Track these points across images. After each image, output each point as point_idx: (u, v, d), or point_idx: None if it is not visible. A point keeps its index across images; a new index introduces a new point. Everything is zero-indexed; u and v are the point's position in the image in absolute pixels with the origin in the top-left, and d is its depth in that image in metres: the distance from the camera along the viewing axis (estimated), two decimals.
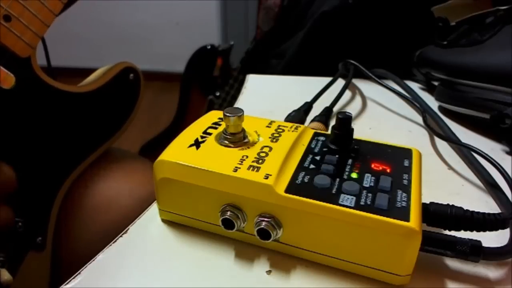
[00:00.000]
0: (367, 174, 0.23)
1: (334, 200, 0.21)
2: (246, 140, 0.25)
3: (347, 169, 0.23)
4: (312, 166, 0.23)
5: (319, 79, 0.47)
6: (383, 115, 0.43)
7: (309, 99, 0.38)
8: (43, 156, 0.42)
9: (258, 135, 0.26)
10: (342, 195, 0.21)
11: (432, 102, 0.43)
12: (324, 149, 0.25)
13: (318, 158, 0.24)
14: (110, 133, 0.49)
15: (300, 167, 0.23)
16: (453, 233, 0.22)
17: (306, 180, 0.22)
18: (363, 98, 0.46)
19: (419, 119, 0.41)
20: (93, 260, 0.23)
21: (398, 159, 0.24)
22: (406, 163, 0.24)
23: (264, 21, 0.87)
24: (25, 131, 0.41)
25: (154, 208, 0.27)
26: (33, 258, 0.42)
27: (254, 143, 0.25)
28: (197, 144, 0.25)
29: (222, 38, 2.23)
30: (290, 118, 0.33)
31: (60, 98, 0.43)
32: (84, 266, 0.23)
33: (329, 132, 0.27)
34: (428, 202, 0.22)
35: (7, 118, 0.39)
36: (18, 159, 0.40)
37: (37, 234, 0.42)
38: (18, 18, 0.38)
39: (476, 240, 0.21)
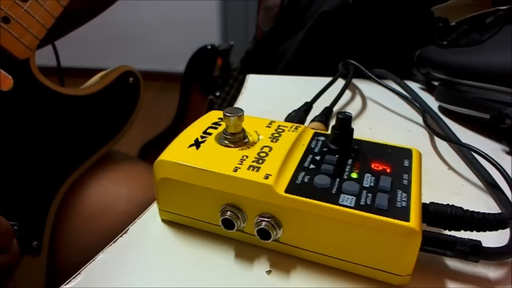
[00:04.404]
0: (367, 174, 0.23)
1: (334, 200, 0.21)
2: (246, 140, 0.25)
3: (347, 169, 0.23)
4: (312, 166, 0.23)
5: (319, 79, 0.47)
6: (383, 115, 0.43)
7: (309, 99, 0.38)
8: (41, 158, 0.42)
9: (258, 135, 0.26)
10: (342, 195, 0.21)
11: (432, 102, 0.43)
12: (324, 149, 0.25)
13: (318, 158, 0.24)
14: (109, 136, 0.49)
15: (300, 167, 0.23)
16: (453, 233, 0.22)
17: (306, 180, 0.22)
18: (363, 98, 0.46)
19: (419, 119, 0.41)
20: (93, 260, 0.23)
21: (398, 159, 0.24)
22: (406, 163, 0.24)
23: (264, 21, 0.87)
24: (23, 133, 0.40)
25: (154, 208, 0.27)
26: (28, 262, 0.42)
27: (254, 143, 0.25)
28: (197, 144, 0.25)
29: (222, 38, 2.23)
30: (290, 118, 0.33)
31: (59, 100, 0.43)
32: (84, 266, 0.23)
33: (329, 132, 0.27)
34: (428, 202, 0.22)
35: (5, 120, 0.39)
36: (15, 161, 0.40)
37: (33, 238, 0.42)
38: (17, 20, 0.38)
39: (476, 240, 0.21)
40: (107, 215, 0.47)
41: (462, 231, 0.22)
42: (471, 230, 0.22)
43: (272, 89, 0.50)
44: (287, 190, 0.21)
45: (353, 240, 0.20)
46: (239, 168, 0.22)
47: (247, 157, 0.23)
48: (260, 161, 0.23)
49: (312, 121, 0.33)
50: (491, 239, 0.22)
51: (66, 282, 0.22)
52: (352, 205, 0.20)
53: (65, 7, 0.41)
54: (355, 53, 0.49)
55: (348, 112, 0.25)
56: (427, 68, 0.46)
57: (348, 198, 0.21)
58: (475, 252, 0.21)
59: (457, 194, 0.30)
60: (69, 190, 0.46)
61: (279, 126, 0.27)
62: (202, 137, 0.25)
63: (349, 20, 0.60)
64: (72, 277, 0.22)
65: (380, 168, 0.23)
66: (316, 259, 0.22)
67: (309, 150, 0.25)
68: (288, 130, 0.27)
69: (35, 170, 0.42)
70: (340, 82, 0.44)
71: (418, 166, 0.24)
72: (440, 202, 0.22)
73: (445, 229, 0.22)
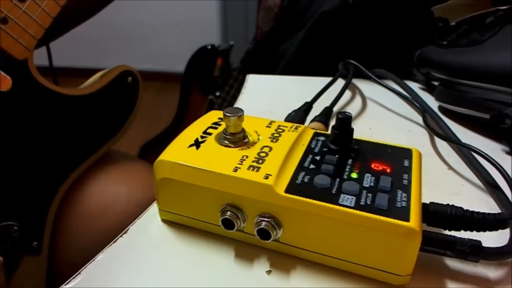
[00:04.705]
0: (367, 174, 0.23)
1: (334, 200, 0.21)
2: (246, 140, 0.25)
3: (347, 169, 0.23)
4: (312, 166, 0.23)
5: (319, 79, 0.47)
6: (383, 115, 0.43)
7: (309, 99, 0.38)
8: (40, 158, 0.42)
9: (258, 135, 0.26)
10: (342, 195, 0.21)
11: (432, 102, 0.43)
12: (324, 149, 0.25)
13: (318, 158, 0.24)
14: (108, 136, 0.49)
15: (300, 167, 0.23)
16: (453, 233, 0.22)
17: (306, 180, 0.22)
18: (363, 98, 0.46)
19: (419, 119, 0.41)
20: (93, 260, 0.23)
21: (398, 159, 0.24)
22: (406, 163, 0.24)
23: (264, 21, 0.87)
24: (22, 133, 0.40)
25: (154, 208, 0.27)
26: (28, 262, 0.42)
27: (254, 143, 0.25)
28: (197, 144, 0.25)
29: (222, 38, 2.23)
30: (290, 118, 0.33)
31: (57, 100, 0.43)
32: (84, 266, 0.23)
33: (329, 132, 0.27)
34: (428, 202, 0.22)
35: (4, 120, 0.39)
36: (14, 161, 0.40)
37: (33, 238, 0.42)
38: (15, 21, 0.38)
39: (476, 240, 0.21)
40: (107, 215, 0.47)
41: (462, 231, 0.22)
42: (471, 230, 0.22)
43: (272, 89, 0.50)
44: (287, 190, 0.21)
45: (353, 240, 0.20)
46: (239, 168, 0.22)
47: (247, 157, 0.23)
48: (260, 161, 0.23)
49: (312, 121, 0.33)
50: (491, 239, 0.22)
51: (66, 282, 0.22)
52: (352, 205, 0.20)
53: (63, 7, 0.41)
54: (355, 53, 0.49)
55: (348, 112, 0.25)
56: (427, 68, 0.46)
57: (348, 198, 0.21)
58: (475, 252, 0.21)
59: (457, 194, 0.30)
60: (69, 190, 0.46)
61: (279, 126, 0.27)
62: (202, 137, 0.25)
63: (349, 20, 0.60)
64: (72, 277, 0.22)
65: (380, 168, 0.23)
66: (316, 259, 0.22)
67: (309, 150, 0.25)
68: (288, 130, 0.27)
69: (34, 170, 0.42)
70: (340, 82, 0.44)
71: (418, 166, 0.24)
72: (440, 202, 0.22)
73: (445, 229, 0.22)
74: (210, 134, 0.26)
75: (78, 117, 0.45)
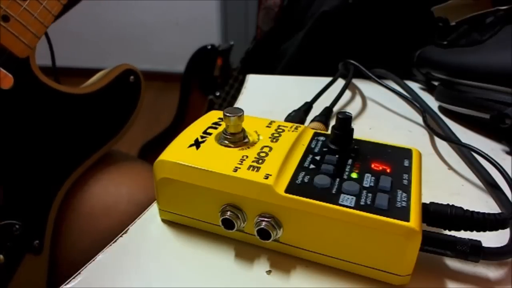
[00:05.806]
0: (367, 174, 0.23)
1: (334, 200, 0.21)
2: (246, 140, 0.25)
3: (347, 169, 0.23)
4: (312, 166, 0.23)
5: (319, 79, 0.47)
6: (383, 115, 0.43)
7: (309, 99, 0.38)
8: (42, 157, 0.42)
9: (258, 135, 0.26)
10: (342, 195, 0.21)
11: (432, 102, 0.43)
12: (324, 149, 0.25)
13: (318, 158, 0.24)
14: (110, 135, 0.49)
15: (300, 167, 0.23)
16: (453, 233, 0.22)
17: (306, 180, 0.22)
18: (363, 98, 0.46)
19: (419, 119, 0.41)
20: (93, 260, 0.23)
21: (398, 159, 0.24)
22: (406, 163, 0.24)
23: (264, 21, 0.87)
24: (24, 132, 0.40)
25: (154, 208, 0.27)
26: (30, 261, 0.42)
27: (254, 143, 0.25)
28: (197, 144, 0.25)
29: (222, 38, 2.23)
30: (290, 118, 0.33)
31: (59, 99, 0.43)
32: (84, 266, 0.23)
33: (329, 132, 0.27)
34: (428, 202, 0.22)
35: (5, 118, 0.39)
36: (16, 160, 0.40)
37: (34, 237, 0.42)
38: (17, 19, 0.38)
39: (476, 240, 0.21)
40: (108, 215, 0.47)
41: (462, 231, 0.22)
42: (471, 230, 0.22)
43: (272, 89, 0.50)
44: (287, 190, 0.21)
45: (353, 240, 0.20)
46: (239, 168, 0.22)
47: (247, 157, 0.23)
48: (260, 161, 0.23)
49: (312, 121, 0.33)
50: (491, 239, 0.22)
51: (66, 282, 0.22)
52: (352, 205, 0.20)
53: (65, 5, 0.41)
54: (355, 53, 0.49)
55: (348, 112, 0.25)
56: (427, 68, 0.46)
57: (348, 198, 0.21)
58: (475, 252, 0.21)
59: (457, 194, 0.30)
60: (70, 189, 0.46)
61: (279, 126, 0.27)
62: (202, 137, 0.25)
63: (349, 20, 0.60)
64: (72, 277, 0.22)
65: (380, 168, 0.23)
66: (316, 259, 0.22)
67: (309, 150, 0.25)
68: (288, 130, 0.27)
69: (36, 169, 0.42)
70: (340, 82, 0.44)
71: (418, 166, 0.24)
72: (440, 202, 0.22)
73: (445, 229, 0.22)
74: (210, 134, 0.26)
75: (80, 115, 0.45)
